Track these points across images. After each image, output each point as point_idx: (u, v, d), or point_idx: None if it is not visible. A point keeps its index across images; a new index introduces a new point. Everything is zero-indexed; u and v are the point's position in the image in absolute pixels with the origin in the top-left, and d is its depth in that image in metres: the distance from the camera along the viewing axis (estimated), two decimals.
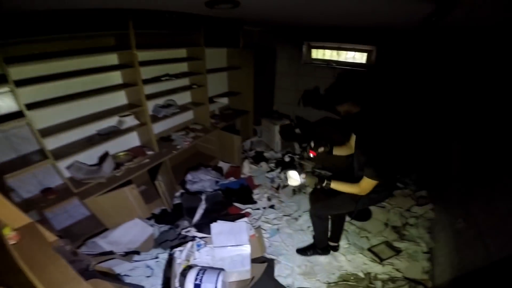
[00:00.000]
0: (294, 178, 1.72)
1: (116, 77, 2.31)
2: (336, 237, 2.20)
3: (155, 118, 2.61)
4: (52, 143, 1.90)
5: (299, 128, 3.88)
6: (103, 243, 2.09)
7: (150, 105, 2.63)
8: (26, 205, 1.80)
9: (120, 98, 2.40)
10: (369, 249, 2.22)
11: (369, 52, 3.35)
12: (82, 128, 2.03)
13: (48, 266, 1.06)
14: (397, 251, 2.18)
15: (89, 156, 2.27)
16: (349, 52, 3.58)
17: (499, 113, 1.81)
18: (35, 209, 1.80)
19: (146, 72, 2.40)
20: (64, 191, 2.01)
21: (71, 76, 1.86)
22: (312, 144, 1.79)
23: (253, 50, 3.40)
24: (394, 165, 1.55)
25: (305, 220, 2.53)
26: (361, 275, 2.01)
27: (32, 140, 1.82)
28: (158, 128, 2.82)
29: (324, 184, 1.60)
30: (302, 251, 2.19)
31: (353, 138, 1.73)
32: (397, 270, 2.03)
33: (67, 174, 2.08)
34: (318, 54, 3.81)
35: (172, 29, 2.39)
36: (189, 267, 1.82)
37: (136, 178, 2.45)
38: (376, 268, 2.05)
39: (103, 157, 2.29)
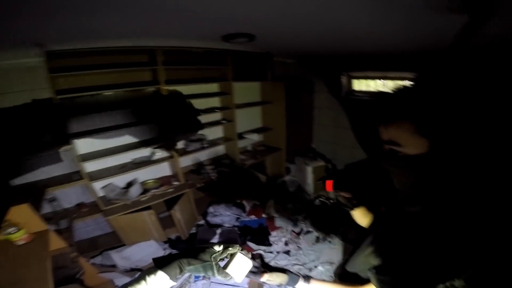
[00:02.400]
0: (238, 268, 0.82)
1: None
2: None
3: (183, 152, 2.86)
4: (90, 166, 2.30)
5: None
6: (115, 256, 2.29)
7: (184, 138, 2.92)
8: (63, 213, 2.21)
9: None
10: None
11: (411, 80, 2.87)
12: (119, 156, 2.41)
13: (30, 265, 1.25)
14: None
15: (124, 180, 2.63)
16: (396, 82, 3.16)
17: None
18: (67, 217, 2.17)
19: None
20: (94, 207, 2.36)
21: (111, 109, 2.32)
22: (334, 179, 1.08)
23: (283, 82, 3.33)
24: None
25: (319, 273, 2.16)
26: None
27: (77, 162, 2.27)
28: (187, 161, 3.06)
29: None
30: None
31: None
32: None
33: (100, 193, 2.45)
34: (360, 85, 3.47)
35: (200, 65, 2.68)
36: None
37: (160, 204, 2.66)
38: None
39: (132, 182, 2.61)
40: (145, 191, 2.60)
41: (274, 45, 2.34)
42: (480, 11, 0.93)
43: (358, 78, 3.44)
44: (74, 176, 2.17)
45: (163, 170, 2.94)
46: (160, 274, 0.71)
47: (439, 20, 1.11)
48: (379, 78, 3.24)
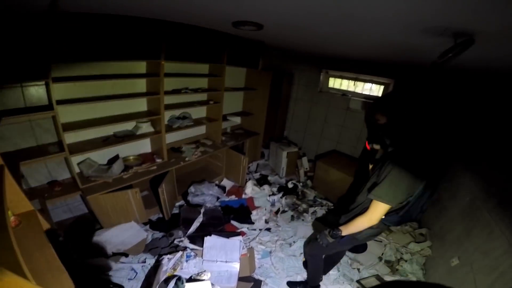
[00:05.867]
0: None
1: (141, 85, 2.47)
2: (325, 270, 2.14)
3: (169, 128, 2.73)
4: (70, 138, 2.02)
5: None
6: (96, 241, 2.14)
7: (167, 115, 2.77)
8: (30, 194, 1.89)
9: (141, 105, 2.56)
10: (358, 281, 2.18)
11: (386, 85, 3.38)
12: (101, 128, 2.16)
13: (36, 252, 1.12)
14: None
15: (101, 156, 2.38)
16: (366, 84, 3.60)
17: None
18: (39, 198, 1.88)
19: (168, 84, 2.56)
20: (69, 185, 2.10)
21: (102, 79, 2.05)
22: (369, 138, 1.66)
23: (269, 72, 3.48)
24: (408, 189, 1.29)
25: (299, 247, 2.50)
26: None
27: (53, 132, 1.97)
28: (171, 138, 2.94)
29: (335, 234, 1.47)
30: (292, 285, 2.11)
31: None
32: None
33: (77, 169, 2.18)
34: (335, 83, 3.87)
35: (199, 44, 2.56)
36: (173, 276, 1.84)
37: (139, 183, 2.53)
38: None
39: (114, 158, 2.39)
40: (126, 168, 2.42)
41: (274, 37, 2.40)
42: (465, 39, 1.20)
43: (334, 76, 3.82)
44: (51, 149, 1.87)
45: (144, 146, 2.76)
46: None
47: (428, 41, 1.39)
48: (353, 79, 3.67)
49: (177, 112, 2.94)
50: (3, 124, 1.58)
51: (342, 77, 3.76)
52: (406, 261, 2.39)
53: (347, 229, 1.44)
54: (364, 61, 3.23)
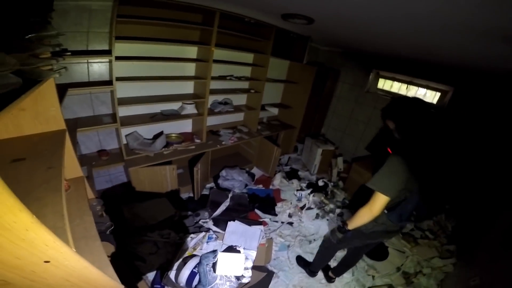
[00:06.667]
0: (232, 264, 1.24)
1: (190, 69, 2.62)
2: (339, 271, 2.13)
3: (211, 112, 2.87)
4: (122, 111, 2.23)
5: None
6: (126, 212, 2.27)
7: (211, 99, 2.90)
8: (81, 160, 2.07)
9: (188, 87, 2.72)
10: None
11: (443, 93, 3.05)
12: (150, 105, 2.37)
13: (77, 219, 1.16)
14: None
15: (147, 131, 2.62)
16: (420, 89, 3.29)
17: None
18: (87, 165, 2.10)
19: (215, 69, 2.65)
20: (116, 156, 2.34)
21: (157, 60, 2.23)
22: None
23: (313, 67, 3.41)
24: (405, 183, 1.30)
25: (318, 245, 2.47)
26: None
27: (109, 105, 2.21)
28: (211, 121, 3.08)
29: (341, 228, 1.52)
30: (299, 259, 2.26)
31: None
32: None
33: (124, 141, 2.42)
34: (385, 85, 3.62)
35: (247, 34, 2.61)
36: (192, 256, 1.90)
37: (177, 160, 2.71)
38: None
39: (158, 134, 2.61)
40: (167, 144, 2.63)
41: (323, 31, 2.30)
42: None
43: (385, 78, 3.54)
44: (106, 119, 2.12)
45: (186, 126, 2.95)
46: None
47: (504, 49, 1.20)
48: (406, 82, 3.36)
49: (219, 97, 3.05)
50: (69, 95, 1.78)
51: (394, 79, 3.47)
52: (424, 275, 2.25)
53: (352, 222, 1.47)
54: (422, 63, 2.93)
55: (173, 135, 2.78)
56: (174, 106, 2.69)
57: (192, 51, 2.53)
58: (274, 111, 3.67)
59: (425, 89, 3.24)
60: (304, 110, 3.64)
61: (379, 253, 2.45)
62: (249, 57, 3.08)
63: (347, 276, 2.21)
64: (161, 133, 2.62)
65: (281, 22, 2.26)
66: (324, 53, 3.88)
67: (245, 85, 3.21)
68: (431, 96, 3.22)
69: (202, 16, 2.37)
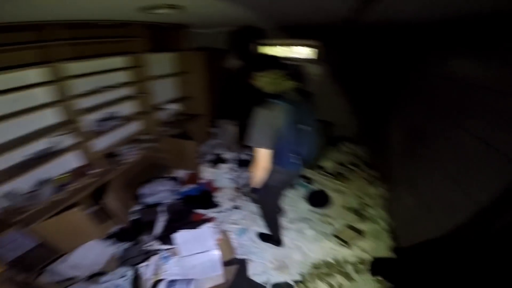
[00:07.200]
0: None
1: (42, 94, 2.05)
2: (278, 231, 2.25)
3: (96, 134, 2.43)
4: None
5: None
6: (64, 268, 1.95)
7: (89, 119, 2.44)
8: None
9: (49, 117, 2.15)
10: (335, 235, 2.30)
11: (317, 47, 3.52)
12: (9, 154, 1.80)
13: None
14: (360, 232, 2.31)
15: (28, 182, 2.07)
16: (300, 48, 3.70)
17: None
18: None
19: (81, 85, 2.23)
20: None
21: None
22: None
23: (203, 52, 3.35)
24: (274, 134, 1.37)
25: None
26: (331, 261, 2.07)
27: None
28: (103, 143, 2.63)
29: (247, 190, 1.61)
30: (261, 236, 2.32)
31: None
32: (364, 251, 2.13)
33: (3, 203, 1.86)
34: (271, 52, 3.83)
35: (111, 37, 2.27)
36: (158, 281, 1.79)
37: (87, 198, 2.27)
38: (344, 252, 2.14)
39: (40, 182, 2.08)
40: (60, 188, 2.14)
41: (193, 17, 2.17)
42: None
43: (264, 45, 3.80)
44: None
45: (73, 160, 2.43)
46: None
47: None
48: (283, 45, 3.73)
49: (100, 114, 2.59)
50: None
51: (272, 45, 3.80)
52: (369, 206, 2.56)
53: (252, 182, 1.59)
54: (294, 28, 3.19)
55: (63, 176, 2.27)
56: (42, 145, 2.13)
57: (34, 74, 1.98)
58: (173, 107, 3.43)
59: (305, 48, 3.66)
60: (205, 96, 3.55)
61: (322, 200, 2.70)
62: (121, 61, 2.67)
63: (310, 232, 2.34)
64: (44, 181, 2.10)
65: (144, 15, 1.96)
66: (210, 36, 3.78)
67: (130, 91, 2.83)
68: (311, 53, 3.64)
69: (37, 32, 1.84)
